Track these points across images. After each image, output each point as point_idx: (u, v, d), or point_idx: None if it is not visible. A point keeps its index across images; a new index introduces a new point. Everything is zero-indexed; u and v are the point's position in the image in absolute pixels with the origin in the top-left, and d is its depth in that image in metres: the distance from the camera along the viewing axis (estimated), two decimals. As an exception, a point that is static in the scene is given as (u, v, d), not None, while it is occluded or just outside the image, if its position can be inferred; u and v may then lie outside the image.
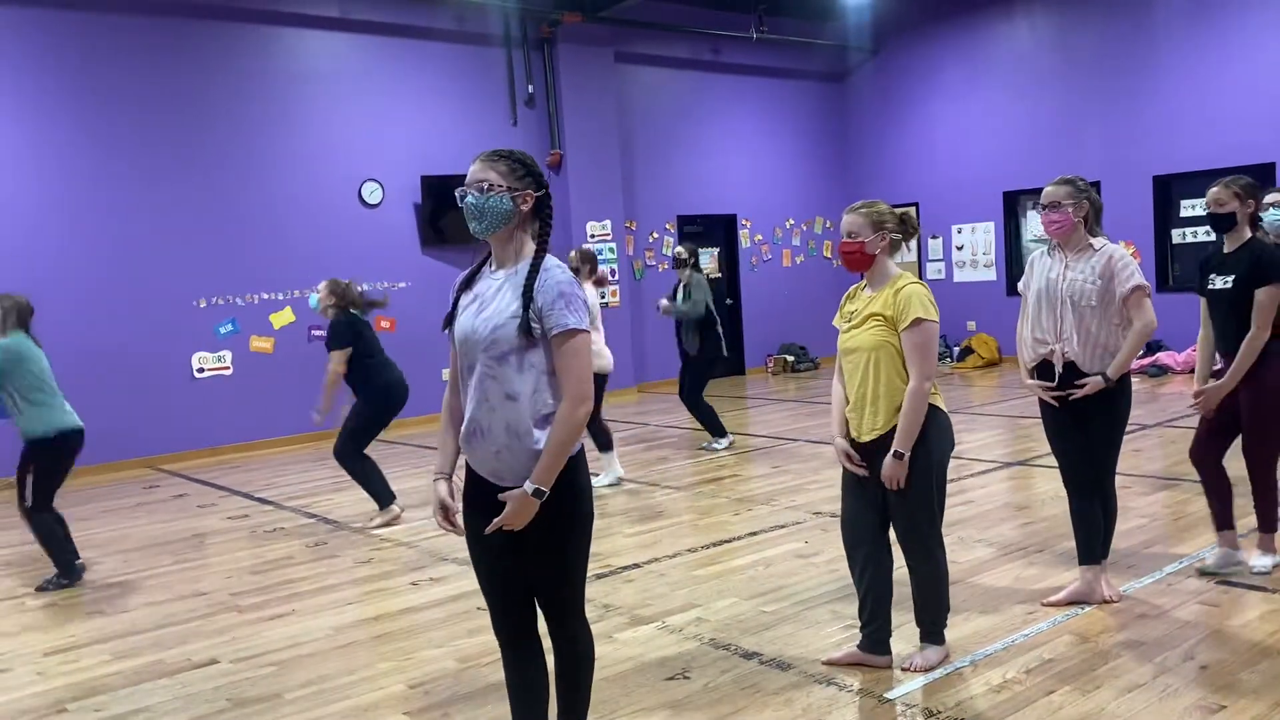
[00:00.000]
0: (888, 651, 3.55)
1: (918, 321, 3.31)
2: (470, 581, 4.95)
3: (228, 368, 9.70)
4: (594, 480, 7.10)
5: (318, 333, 10.07)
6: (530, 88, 11.55)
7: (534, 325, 2.51)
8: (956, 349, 13.15)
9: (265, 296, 9.95)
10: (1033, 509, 5.72)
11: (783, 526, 5.61)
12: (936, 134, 13.52)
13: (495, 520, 2.54)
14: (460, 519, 2.72)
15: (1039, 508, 5.69)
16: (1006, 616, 4.01)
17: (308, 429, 10.01)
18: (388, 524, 6.31)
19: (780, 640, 3.91)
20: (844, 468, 3.53)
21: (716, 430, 8.34)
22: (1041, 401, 4.06)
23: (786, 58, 13.87)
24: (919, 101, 13.72)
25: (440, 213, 10.81)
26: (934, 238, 13.72)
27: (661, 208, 12.79)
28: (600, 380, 6.84)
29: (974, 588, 4.42)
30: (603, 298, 12.00)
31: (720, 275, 13.57)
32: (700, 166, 13.22)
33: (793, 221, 14.17)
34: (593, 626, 4.15)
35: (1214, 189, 4.17)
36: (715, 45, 13.22)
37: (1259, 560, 4.27)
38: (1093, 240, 3.97)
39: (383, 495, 6.41)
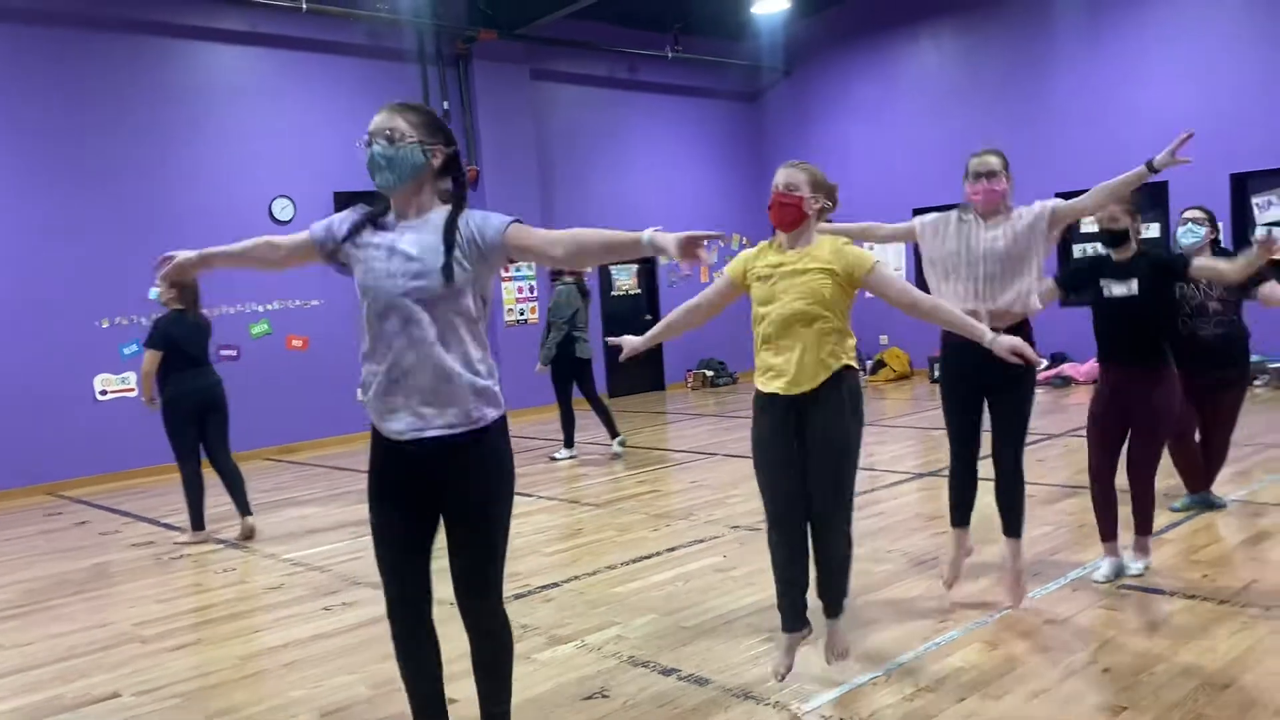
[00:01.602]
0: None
1: (876, 265, 3.27)
2: (385, 606, 4.85)
3: (132, 389, 9.39)
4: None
5: (226, 353, 9.83)
6: (445, 104, 11.47)
7: (459, 267, 2.48)
8: (869, 362, 13.41)
9: (171, 316, 9.67)
10: (944, 519, 5.82)
11: (701, 541, 5.64)
12: (848, 152, 13.80)
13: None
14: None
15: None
16: (918, 626, 4.08)
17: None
18: (193, 543, 6.49)
19: (698, 656, 3.92)
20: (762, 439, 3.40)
21: (569, 440, 8.89)
22: (956, 376, 4.16)
23: (702, 77, 14.03)
24: (830, 121, 13.99)
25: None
26: (847, 254, 13.97)
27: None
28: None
29: (886, 599, 4.49)
30: (521, 314, 11.99)
31: (639, 291, 13.63)
32: (618, 183, 13.27)
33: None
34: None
35: (1110, 207, 4.34)
36: (631, 64, 13.31)
37: (1135, 563, 4.51)
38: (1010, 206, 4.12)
39: (196, 518, 6.54)
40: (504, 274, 11.87)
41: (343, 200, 10.52)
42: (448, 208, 2.60)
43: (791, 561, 3.44)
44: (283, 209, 10.37)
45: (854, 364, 3.36)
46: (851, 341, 3.37)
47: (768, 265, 3.36)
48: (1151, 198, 11.00)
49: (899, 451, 8.19)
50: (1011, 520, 4.19)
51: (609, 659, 3.95)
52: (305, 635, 4.54)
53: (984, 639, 3.89)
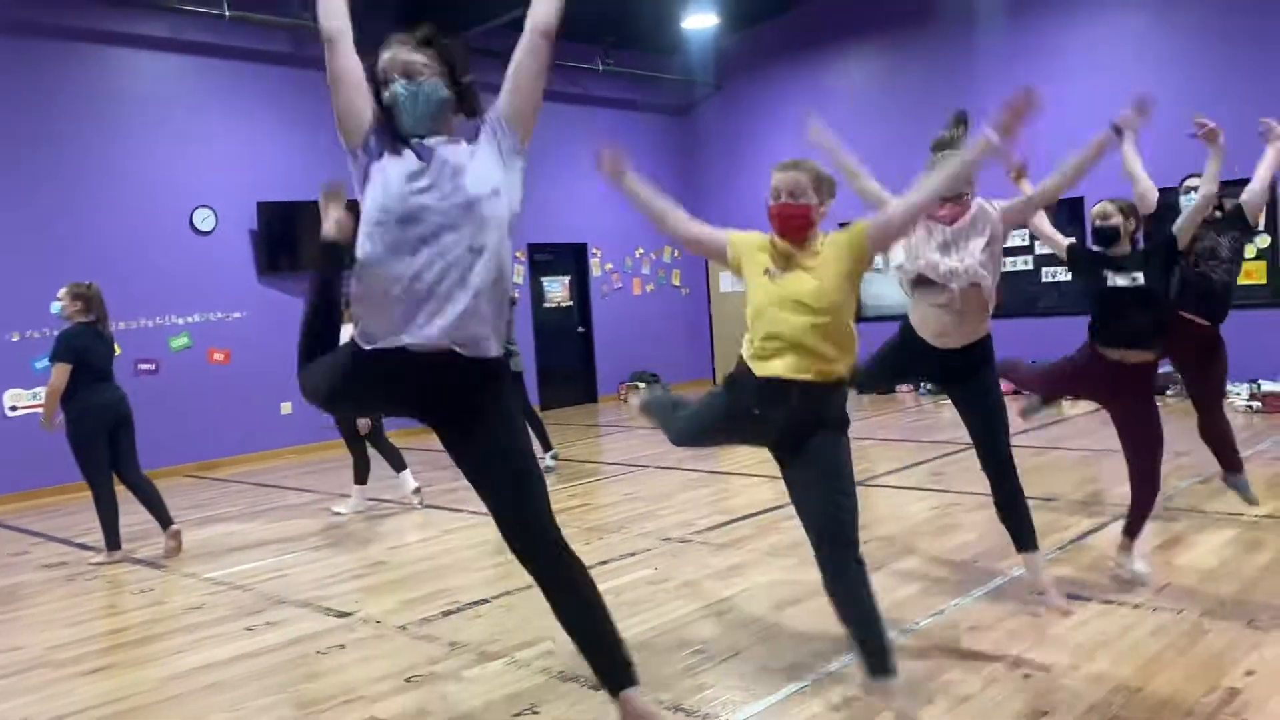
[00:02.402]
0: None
1: (866, 225, 3.08)
2: (310, 625, 4.78)
3: (41, 414, 9.06)
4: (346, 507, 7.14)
5: (145, 366, 9.58)
6: (373, 114, 11.31)
7: (505, 160, 2.63)
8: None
9: (87, 328, 9.38)
10: (870, 528, 5.91)
11: (633, 554, 5.63)
12: (777, 166, 13.97)
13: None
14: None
15: (876, 526, 5.89)
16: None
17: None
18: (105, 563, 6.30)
19: (629, 669, 3.90)
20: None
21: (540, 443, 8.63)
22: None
23: (633, 90, 14.10)
24: (761, 135, 14.16)
25: (279, 240, 10.47)
26: (777, 267, 14.16)
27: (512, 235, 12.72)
28: None
29: (812, 607, 4.53)
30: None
31: (571, 303, 13.61)
32: (549, 195, 13.25)
33: (642, 250, 14.35)
34: (438, 665, 4.10)
35: (1101, 204, 4.45)
36: (562, 76, 13.30)
37: (1139, 565, 4.54)
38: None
39: (110, 537, 6.37)
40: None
41: (266, 210, 10.34)
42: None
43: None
44: (204, 219, 10.15)
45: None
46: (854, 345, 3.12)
47: (771, 260, 3.09)
48: (1068, 217, 11.34)
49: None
50: (1026, 532, 4.04)
51: (539, 675, 3.91)
52: (227, 656, 4.42)
53: (909, 647, 3.94)
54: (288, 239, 10.51)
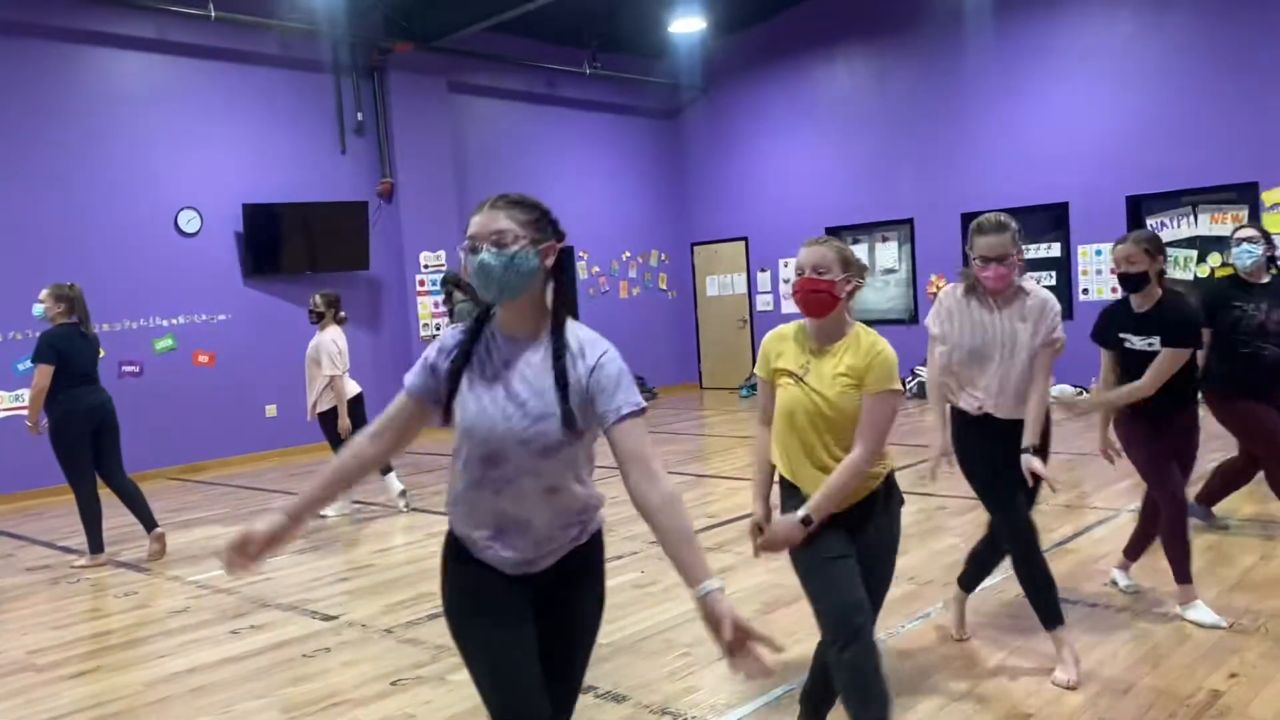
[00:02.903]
0: None
1: (893, 394, 2.82)
2: (296, 628, 4.75)
3: (26, 407, 9.00)
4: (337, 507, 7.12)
5: (129, 368, 9.52)
6: (360, 115, 11.31)
7: (578, 417, 2.09)
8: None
9: (71, 330, 9.32)
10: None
11: (620, 557, 5.63)
12: (764, 171, 14.01)
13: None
14: (255, 564, 2.25)
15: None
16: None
17: (119, 470, 9.43)
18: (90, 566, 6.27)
19: (617, 672, 3.91)
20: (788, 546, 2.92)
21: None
22: (974, 449, 3.74)
23: (621, 93, 14.10)
24: (748, 139, 14.19)
25: (264, 242, 10.42)
26: (762, 270, 14.19)
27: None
28: (356, 401, 7.20)
29: (804, 610, 4.52)
30: (436, 329, 11.86)
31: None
32: (536, 198, 13.21)
33: (629, 254, 14.36)
34: (424, 669, 4.08)
35: (1123, 247, 4.01)
36: (550, 79, 13.31)
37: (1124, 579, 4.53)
38: (1023, 284, 3.61)
39: (94, 540, 6.33)
40: (419, 288, 11.74)
41: (252, 212, 10.29)
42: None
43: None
44: (189, 221, 10.09)
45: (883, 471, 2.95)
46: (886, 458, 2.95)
47: (802, 361, 2.89)
48: (1055, 219, 11.42)
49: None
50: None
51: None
52: (212, 660, 4.40)
53: (896, 650, 3.95)
54: (273, 241, 10.47)
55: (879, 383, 2.79)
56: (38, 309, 6.33)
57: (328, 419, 7.17)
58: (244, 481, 9.27)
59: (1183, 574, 4.13)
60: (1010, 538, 3.65)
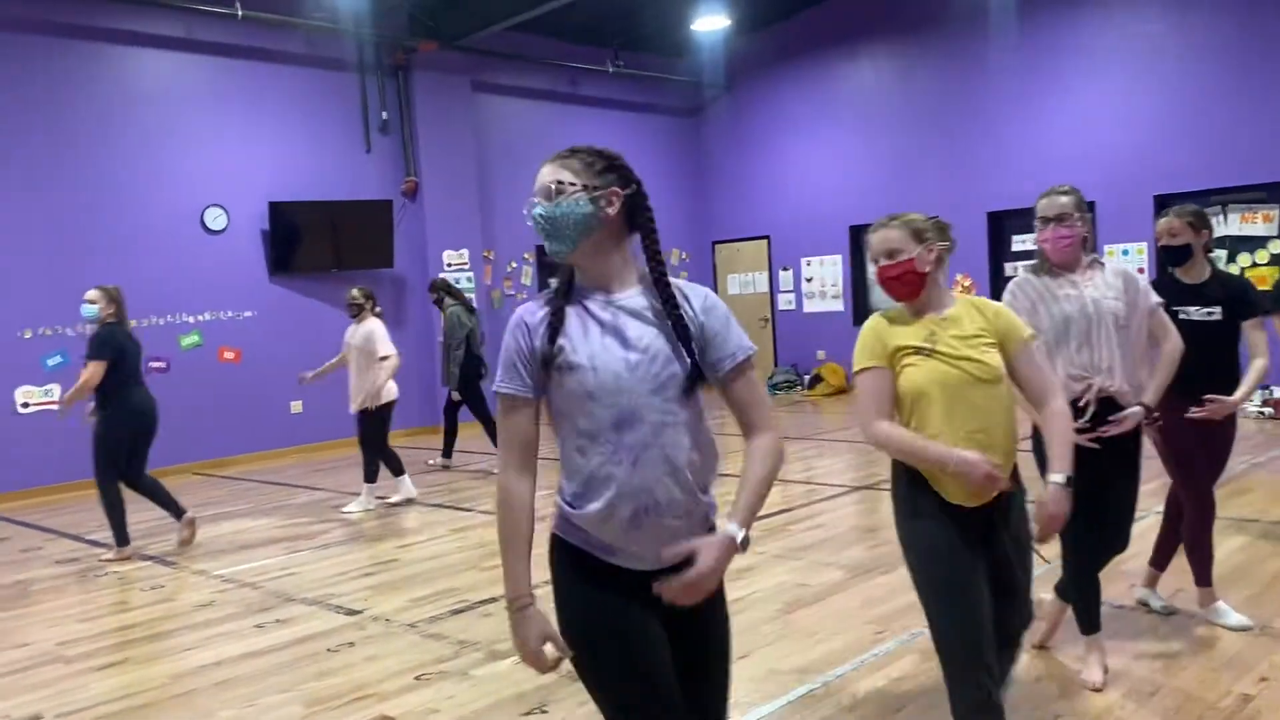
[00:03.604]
0: None
1: (1032, 336, 2.71)
2: (320, 622, 4.78)
3: (55, 402, 9.11)
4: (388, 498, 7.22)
5: (155, 364, 9.60)
6: (385, 114, 11.36)
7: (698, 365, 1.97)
8: (807, 377, 13.58)
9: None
10: (880, 531, 5.91)
11: (641, 555, 5.63)
12: (787, 169, 13.96)
13: (686, 577, 1.89)
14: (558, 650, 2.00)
15: (887, 530, 5.87)
16: (857, 637, 4.11)
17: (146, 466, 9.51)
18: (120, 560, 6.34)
19: None
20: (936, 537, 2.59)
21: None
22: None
23: (643, 92, 14.10)
24: (770, 138, 14.15)
25: (290, 240, 10.49)
26: (784, 269, 14.15)
27: (519, 238, 12.75)
28: (388, 408, 7.43)
29: (825, 610, 4.52)
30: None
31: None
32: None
33: (650, 252, 14.34)
34: (447, 664, 4.10)
35: (1165, 220, 3.91)
36: (573, 77, 13.33)
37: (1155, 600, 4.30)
38: (1095, 257, 3.52)
39: (120, 534, 6.39)
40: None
41: (278, 210, 10.36)
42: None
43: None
44: (215, 218, 10.17)
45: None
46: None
47: (919, 337, 2.62)
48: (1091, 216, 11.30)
49: (837, 465, 8.27)
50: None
51: (547, 674, 3.91)
52: (237, 653, 4.43)
53: (920, 649, 3.93)
54: (298, 239, 10.53)
55: (1018, 332, 2.64)
56: (91, 309, 6.39)
57: (372, 416, 7.29)
58: (268, 477, 9.34)
59: (1204, 577, 4.06)
60: (1068, 553, 3.55)
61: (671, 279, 2.02)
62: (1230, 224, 10.40)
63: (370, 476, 7.39)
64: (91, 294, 6.39)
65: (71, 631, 4.93)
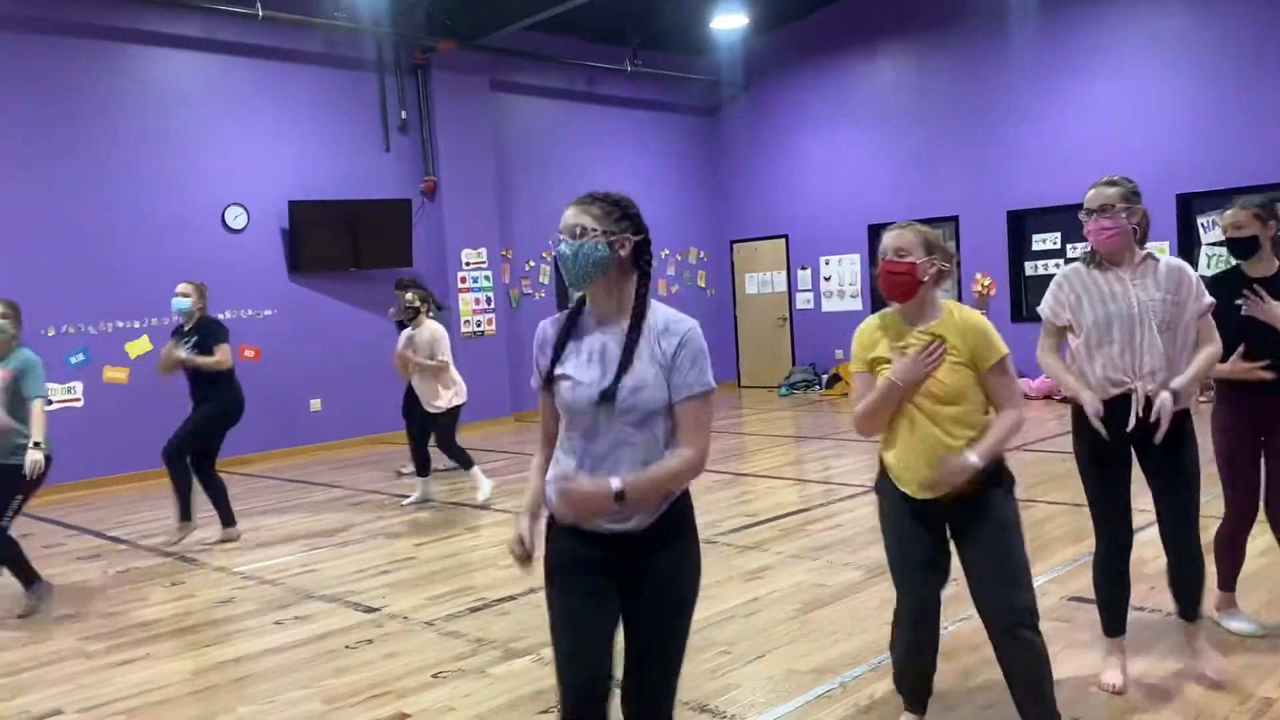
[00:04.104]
0: None
1: (1004, 358, 2.85)
2: (338, 619, 4.81)
3: (78, 399, 9.20)
4: (476, 495, 7.25)
5: (177, 362, 9.65)
6: (404, 114, 11.41)
7: (658, 384, 2.30)
8: (825, 376, 13.54)
9: (120, 324, 9.50)
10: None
11: (658, 554, 5.63)
12: (805, 168, 13.93)
13: (567, 486, 2.26)
14: (538, 564, 2.45)
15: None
16: (874, 637, 4.10)
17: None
18: (227, 540, 6.58)
19: None
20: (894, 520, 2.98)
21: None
22: (1104, 453, 3.41)
23: (661, 91, 14.09)
24: (788, 136, 14.12)
25: (309, 239, 10.54)
26: (803, 268, 14.11)
27: (537, 236, 12.76)
28: (457, 410, 7.42)
29: (843, 610, 4.51)
30: (478, 326, 11.95)
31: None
32: (574, 196, 13.24)
33: (668, 252, 14.35)
34: (465, 661, 4.11)
35: (1231, 213, 3.76)
36: (590, 76, 13.33)
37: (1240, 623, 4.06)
38: (1149, 251, 3.42)
39: (227, 515, 6.67)
40: (460, 285, 11.82)
41: (298, 209, 10.41)
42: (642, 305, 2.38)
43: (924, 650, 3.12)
44: (236, 217, 10.24)
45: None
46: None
47: (889, 352, 2.90)
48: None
49: (855, 465, 8.24)
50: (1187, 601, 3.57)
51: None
52: (256, 650, 4.46)
53: (940, 650, 3.91)
54: (318, 238, 10.58)
55: (990, 354, 2.82)
56: (184, 303, 6.61)
57: (446, 416, 7.33)
58: (289, 475, 9.40)
59: (1228, 581, 4.02)
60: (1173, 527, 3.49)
61: (663, 309, 2.38)
62: (1253, 223, 10.31)
63: (465, 464, 7.42)
64: (184, 287, 6.63)
65: (93, 627, 4.97)
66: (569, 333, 2.40)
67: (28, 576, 5.15)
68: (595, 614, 2.34)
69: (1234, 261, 3.85)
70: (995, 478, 2.85)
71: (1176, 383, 3.27)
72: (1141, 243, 3.43)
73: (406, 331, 7.44)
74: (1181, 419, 3.34)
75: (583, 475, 2.29)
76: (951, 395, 2.81)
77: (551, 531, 2.42)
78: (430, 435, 7.46)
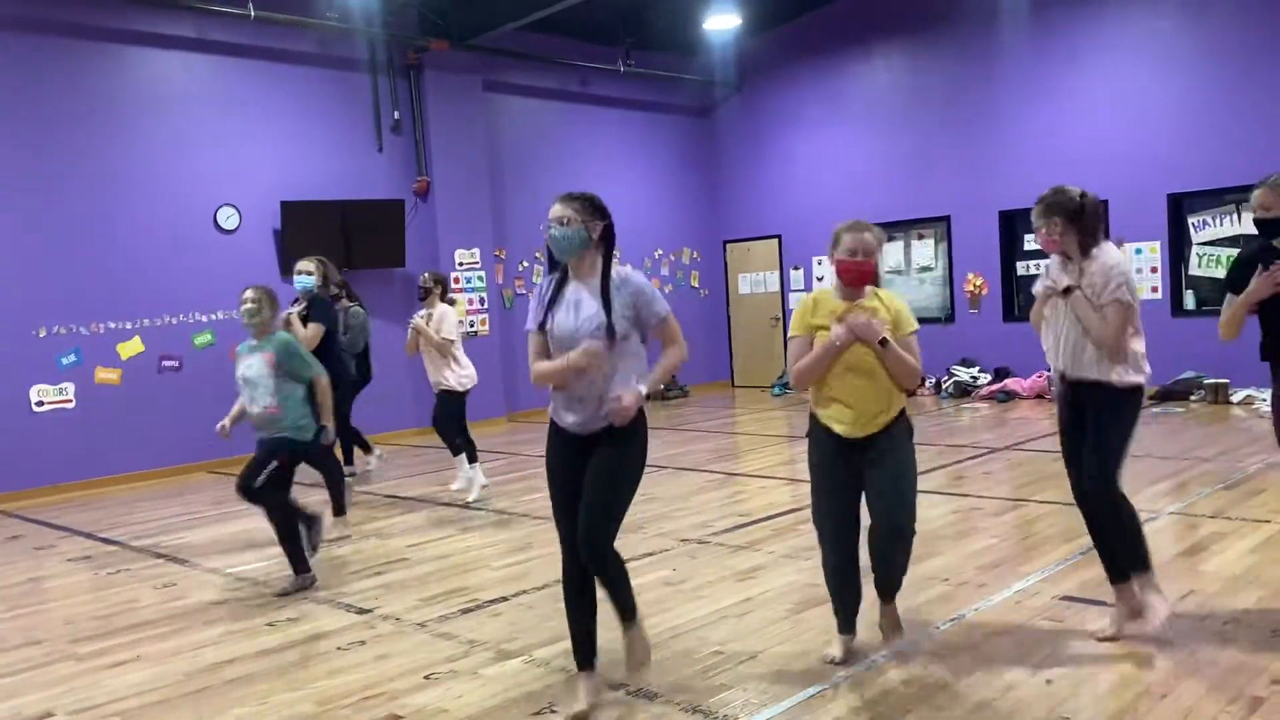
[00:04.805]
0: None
1: (914, 333, 3.65)
2: (331, 621, 4.81)
3: (70, 400, 9.18)
4: (468, 495, 7.28)
5: (168, 363, 9.65)
6: (396, 114, 11.39)
7: (617, 325, 3.33)
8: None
9: (112, 325, 9.47)
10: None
11: (651, 554, 5.63)
12: (798, 168, 13.94)
13: (612, 405, 3.32)
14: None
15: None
16: (867, 637, 4.09)
17: (158, 464, 9.56)
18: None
19: (647, 670, 3.90)
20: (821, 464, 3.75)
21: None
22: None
23: (654, 91, 14.10)
24: (781, 137, 14.13)
25: (302, 239, 10.51)
26: (795, 269, 14.13)
27: (530, 236, 12.75)
28: (462, 395, 7.40)
29: (828, 613, 4.50)
30: (471, 326, 11.93)
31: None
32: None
33: (661, 252, 14.35)
34: (457, 663, 4.11)
35: (1259, 192, 3.85)
36: (584, 77, 13.33)
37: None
38: (1093, 249, 3.81)
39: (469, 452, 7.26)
40: (454, 285, 11.80)
41: (290, 210, 10.40)
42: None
43: (848, 575, 3.84)
44: (228, 218, 10.22)
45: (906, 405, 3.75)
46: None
47: (831, 313, 3.64)
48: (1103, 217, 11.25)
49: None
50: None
51: (557, 674, 3.92)
52: (249, 651, 4.45)
53: (930, 651, 3.93)
54: (310, 238, 10.55)
55: (906, 325, 3.65)
56: (307, 280, 6.80)
57: (454, 397, 7.33)
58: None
59: None
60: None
61: (622, 270, 3.48)
62: (1244, 223, 10.33)
63: (470, 457, 7.41)
64: (307, 264, 6.78)
65: (85, 629, 4.96)
66: (559, 291, 3.48)
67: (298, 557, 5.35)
68: (576, 497, 3.43)
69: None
70: (902, 424, 3.68)
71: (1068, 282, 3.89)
72: (1093, 237, 3.83)
73: (422, 311, 7.50)
74: None
75: (625, 392, 3.31)
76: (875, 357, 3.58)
77: (548, 434, 3.56)
78: (456, 420, 7.40)
